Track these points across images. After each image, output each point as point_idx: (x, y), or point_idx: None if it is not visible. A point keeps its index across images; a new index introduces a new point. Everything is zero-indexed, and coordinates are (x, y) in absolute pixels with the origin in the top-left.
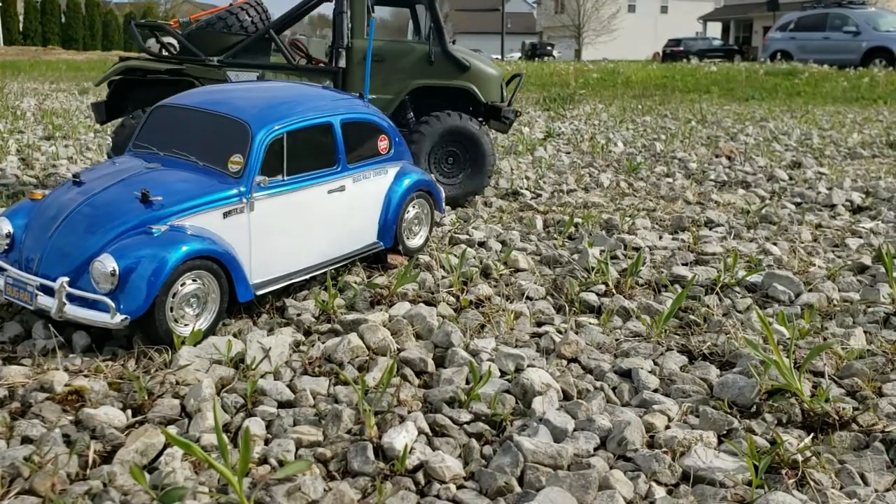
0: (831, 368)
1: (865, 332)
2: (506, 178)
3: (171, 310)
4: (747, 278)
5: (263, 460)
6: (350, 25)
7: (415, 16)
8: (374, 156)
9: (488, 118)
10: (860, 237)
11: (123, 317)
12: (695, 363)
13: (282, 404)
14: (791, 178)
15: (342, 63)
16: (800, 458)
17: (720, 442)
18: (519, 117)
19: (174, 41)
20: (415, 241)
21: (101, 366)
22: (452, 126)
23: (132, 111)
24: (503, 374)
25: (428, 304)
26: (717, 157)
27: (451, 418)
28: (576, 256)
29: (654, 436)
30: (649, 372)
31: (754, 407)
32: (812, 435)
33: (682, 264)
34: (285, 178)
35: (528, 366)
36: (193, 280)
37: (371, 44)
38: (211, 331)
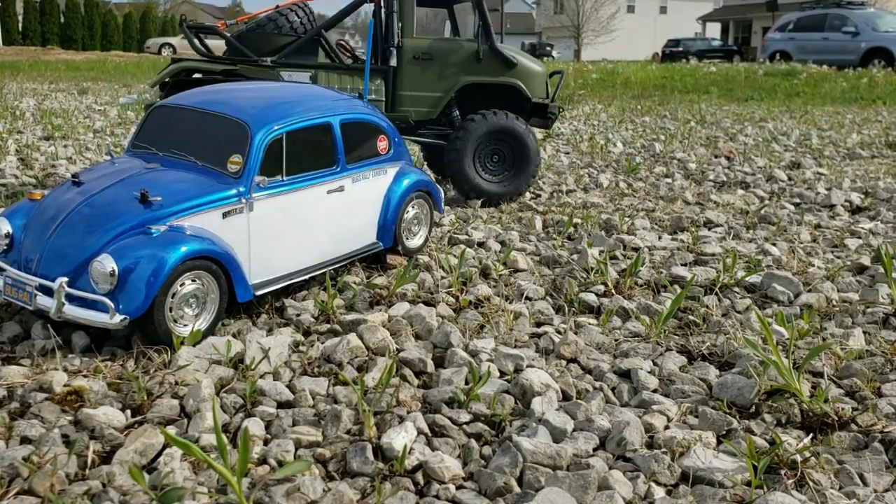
0: (830, 369)
1: (864, 332)
2: None
3: (171, 310)
4: (746, 279)
5: (263, 460)
6: (400, 25)
7: (452, 16)
8: (374, 156)
9: (533, 115)
10: (859, 238)
11: (122, 317)
12: (694, 363)
13: (281, 404)
14: (790, 179)
15: (393, 62)
16: (799, 458)
17: (719, 442)
18: (562, 113)
19: (218, 42)
20: (414, 242)
21: (100, 366)
22: (499, 125)
23: None
24: (502, 374)
25: (427, 304)
26: (716, 157)
27: (450, 418)
28: (575, 257)
29: (654, 436)
30: (648, 372)
31: (753, 407)
32: (811, 435)
33: (682, 265)
34: (284, 178)
35: (528, 366)
36: (193, 280)
37: (370, 44)
38: (210, 331)
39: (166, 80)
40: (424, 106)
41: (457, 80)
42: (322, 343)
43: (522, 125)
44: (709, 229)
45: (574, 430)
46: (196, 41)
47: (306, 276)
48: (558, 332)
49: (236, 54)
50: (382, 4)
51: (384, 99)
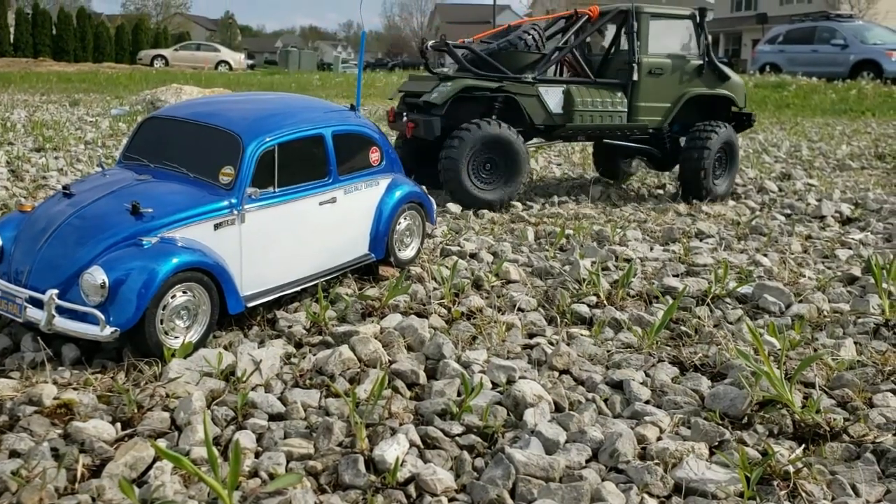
0: (822, 379)
1: (855, 342)
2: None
3: (162, 322)
4: (738, 289)
5: (254, 473)
6: (638, 43)
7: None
8: (366, 167)
9: (738, 122)
10: (849, 248)
11: (113, 329)
12: (686, 374)
13: (272, 417)
14: (781, 190)
15: (635, 76)
16: (791, 469)
17: (712, 453)
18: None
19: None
20: (406, 253)
21: (90, 379)
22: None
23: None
24: (495, 385)
25: (419, 315)
26: None
27: (442, 430)
28: (567, 268)
29: (646, 447)
30: (641, 383)
31: (746, 418)
32: (803, 446)
33: (673, 275)
34: (276, 189)
35: (520, 377)
36: (184, 292)
37: (362, 57)
38: (201, 343)
39: (450, 97)
40: (658, 115)
41: (684, 91)
42: (314, 355)
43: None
44: (700, 240)
45: (567, 442)
46: (432, 59)
47: (298, 288)
48: (551, 344)
49: (489, 70)
50: (625, 24)
51: (626, 110)
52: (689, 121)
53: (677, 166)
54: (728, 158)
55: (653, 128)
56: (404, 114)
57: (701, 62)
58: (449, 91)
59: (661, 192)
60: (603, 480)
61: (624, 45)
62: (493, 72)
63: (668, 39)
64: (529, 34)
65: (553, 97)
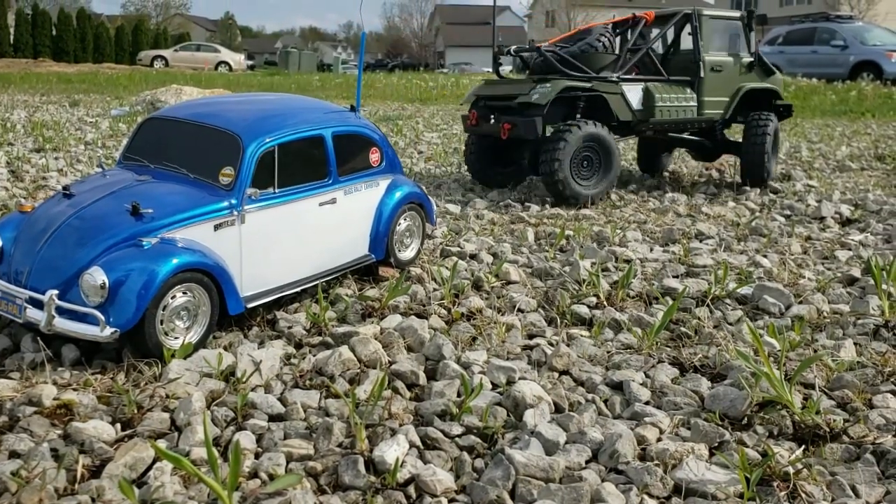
0: (822, 380)
1: (855, 343)
2: (497, 190)
3: (161, 323)
4: (738, 290)
5: (254, 474)
6: (701, 43)
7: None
8: (366, 168)
9: (779, 112)
10: (849, 249)
11: (113, 330)
12: (686, 375)
13: (272, 417)
14: (781, 191)
15: (701, 73)
16: (791, 470)
17: (712, 454)
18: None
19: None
20: (406, 254)
21: (90, 379)
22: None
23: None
24: (495, 386)
25: (419, 316)
26: (707, 169)
27: (442, 431)
28: (567, 269)
29: (646, 448)
30: (641, 384)
31: (745, 419)
32: (803, 447)
33: (673, 276)
34: (276, 190)
35: (520, 378)
36: (184, 293)
37: (362, 57)
38: (201, 344)
39: (552, 98)
40: (720, 109)
41: (740, 86)
42: (314, 356)
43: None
44: (700, 241)
45: (566, 443)
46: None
47: (298, 289)
48: (550, 344)
49: (572, 69)
50: (689, 26)
51: (696, 104)
52: (736, 113)
53: (722, 155)
54: (775, 144)
55: (716, 120)
56: (491, 116)
57: (752, 59)
58: (550, 92)
59: (660, 192)
60: (603, 481)
61: (683, 44)
62: (578, 73)
63: (722, 39)
64: (605, 37)
65: (635, 95)
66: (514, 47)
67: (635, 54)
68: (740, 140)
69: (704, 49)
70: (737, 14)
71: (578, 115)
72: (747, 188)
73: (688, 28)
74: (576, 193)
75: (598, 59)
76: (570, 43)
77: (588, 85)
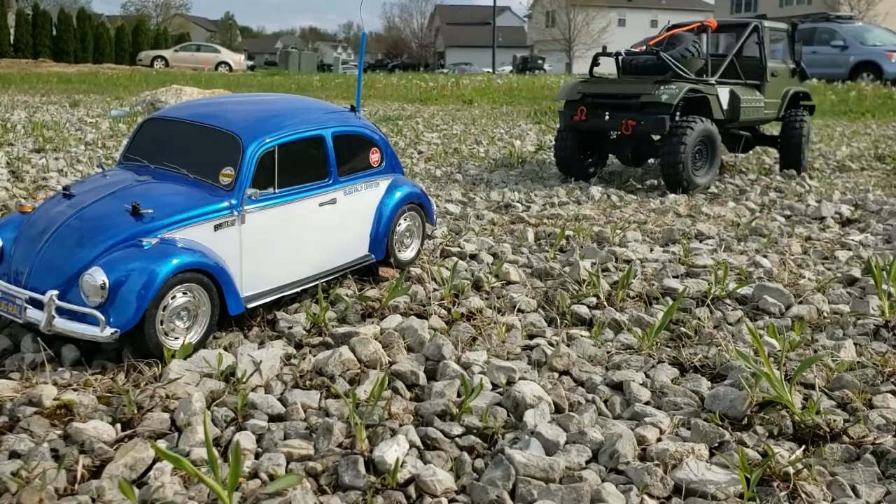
0: (822, 380)
1: (855, 344)
2: (497, 190)
3: (162, 323)
4: (738, 291)
5: (254, 474)
6: (765, 56)
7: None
8: (366, 168)
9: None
10: (849, 249)
11: (113, 330)
12: (686, 375)
13: (272, 418)
14: (781, 191)
15: (767, 78)
16: (791, 470)
17: (712, 454)
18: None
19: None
20: (406, 254)
21: (90, 379)
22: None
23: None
24: (495, 386)
25: (419, 316)
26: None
27: (442, 431)
28: (567, 269)
29: (646, 448)
30: (641, 384)
31: (745, 419)
32: (803, 447)
33: (673, 277)
34: (276, 190)
35: (520, 378)
36: (184, 293)
37: (363, 58)
38: (201, 344)
39: (680, 98)
40: (776, 109)
41: (787, 89)
42: (314, 356)
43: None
44: (700, 241)
45: (566, 443)
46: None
47: (298, 289)
48: (550, 345)
49: (666, 73)
50: (755, 36)
51: (763, 105)
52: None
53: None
54: (808, 137)
55: (772, 118)
56: (606, 113)
57: (794, 66)
58: (678, 93)
59: (660, 192)
60: (603, 481)
61: (746, 52)
62: (684, 76)
63: (775, 48)
64: (696, 43)
65: (724, 97)
66: (625, 49)
67: (720, 59)
68: (776, 134)
69: (767, 56)
70: (784, 26)
71: (678, 114)
72: (748, 189)
73: (754, 38)
74: (693, 181)
75: (693, 64)
76: (663, 47)
77: (702, 87)
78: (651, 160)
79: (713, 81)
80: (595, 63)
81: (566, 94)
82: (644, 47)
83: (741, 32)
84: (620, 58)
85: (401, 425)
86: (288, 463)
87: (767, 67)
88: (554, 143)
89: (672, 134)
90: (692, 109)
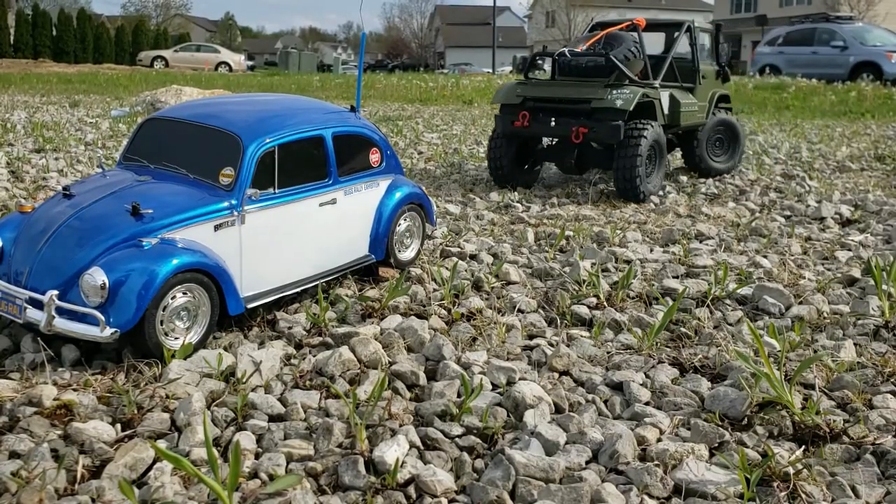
0: (822, 381)
1: (855, 344)
2: (497, 190)
3: (162, 323)
4: (738, 291)
5: (254, 474)
6: (698, 58)
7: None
8: (366, 169)
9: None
10: (849, 250)
11: (113, 330)
12: (686, 376)
13: (272, 418)
14: (781, 192)
15: (700, 81)
16: (791, 470)
17: (712, 455)
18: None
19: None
20: (406, 254)
21: (90, 380)
22: (721, 118)
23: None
24: (495, 387)
25: (419, 317)
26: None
27: (442, 431)
28: (567, 269)
29: (646, 449)
30: (641, 385)
31: (745, 419)
32: (803, 447)
33: (673, 277)
34: (276, 191)
35: (520, 379)
36: (184, 293)
37: (362, 58)
38: (201, 344)
39: (635, 103)
40: (704, 112)
41: (714, 91)
42: (314, 356)
43: (736, 120)
44: (700, 242)
45: (566, 443)
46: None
47: (298, 289)
48: (550, 345)
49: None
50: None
51: (697, 109)
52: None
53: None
54: (730, 139)
55: (702, 123)
56: (551, 119)
57: (718, 67)
58: (633, 98)
59: (660, 192)
60: (603, 482)
61: (677, 52)
62: (625, 79)
63: (703, 49)
64: (636, 43)
65: (665, 100)
66: (565, 49)
67: (658, 61)
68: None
69: (699, 58)
70: (709, 26)
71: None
72: (748, 190)
73: (687, 38)
74: (646, 191)
75: (634, 66)
76: (601, 47)
77: (649, 91)
78: (594, 168)
79: (657, 85)
80: (533, 64)
81: (504, 97)
82: (583, 47)
83: (672, 32)
84: (563, 59)
85: (401, 425)
86: (288, 463)
87: (700, 69)
88: (487, 150)
89: (626, 141)
90: (636, 114)
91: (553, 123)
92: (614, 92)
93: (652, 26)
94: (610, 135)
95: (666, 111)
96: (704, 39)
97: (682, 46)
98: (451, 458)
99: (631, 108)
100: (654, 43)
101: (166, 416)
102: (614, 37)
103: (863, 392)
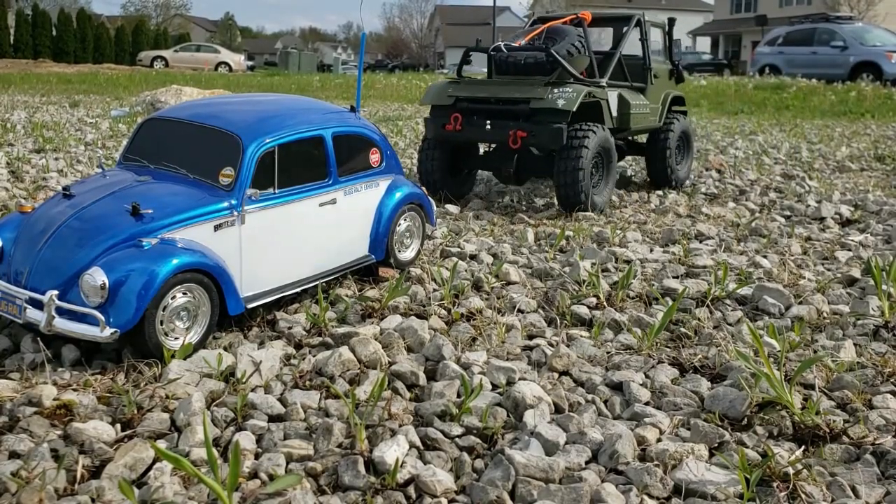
0: (821, 381)
1: (855, 344)
2: (497, 190)
3: (161, 323)
4: (737, 291)
5: (253, 475)
6: (649, 55)
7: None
8: (366, 169)
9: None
10: (849, 250)
11: (113, 330)
12: (686, 376)
13: (272, 418)
14: (780, 192)
15: (651, 81)
16: (791, 470)
17: (711, 455)
18: None
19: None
20: (406, 254)
21: (89, 380)
22: (685, 127)
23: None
24: (494, 387)
25: (419, 317)
26: (707, 170)
27: (442, 432)
28: (567, 269)
29: (646, 449)
30: (640, 385)
31: (745, 419)
32: (803, 448)
33: (673, 277)
34: (276, 191)
35: (520, 379)
36: (184, 293)
37: (362, 58)
38: (201, 344)
39: (578, 104)
40: (657, 115)
41: (667, 92)
42: (314, 356)
43: (689, 123)
44: (700, 242)
45: (566, 443)
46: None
47: (298, 289)
48: (550, 345)
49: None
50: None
51: (649, 111)
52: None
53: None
54: (686, 147)
55: (655, 127)
56: (486, 122)
57: (671, 67)
58: (577, 97)
59: (660, 193)
60: (602, 482)
61: (627, 49)
62: (569, 77)
63: (655, 46)
64: (581, 37)
65: (613, 101)
66: (500, 43)
67: (605, 58)
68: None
69: (649, 57)
70: (660, 20)
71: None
72: (748, 190)
73: (637, 34)
74: (593, 200)
75: (579, 63)
76: (541, 42)
77: (595, 90)
78: (534, 177)
79: (605, 84)
80: (466, 61)
81: (434, 98)
82: (522, 42)
83: (621, 27)
84: (499, 54)
85: (401, 425)
86: (288, 463)
87: (651, 69)
88: (418, 156)
89: (569, 146)
90: (581, 117)
91: (488, 127)
92: (556, 91)
93: (599, 20)
94: (551, 139)
95: (614, 113)
96: (657, 35)
97: (634, 44)
98: (451, 458)
99: (574, 109)
100: (602, 40)
101: (166, 416)
102: (557, 31)
103: (863, 392)
